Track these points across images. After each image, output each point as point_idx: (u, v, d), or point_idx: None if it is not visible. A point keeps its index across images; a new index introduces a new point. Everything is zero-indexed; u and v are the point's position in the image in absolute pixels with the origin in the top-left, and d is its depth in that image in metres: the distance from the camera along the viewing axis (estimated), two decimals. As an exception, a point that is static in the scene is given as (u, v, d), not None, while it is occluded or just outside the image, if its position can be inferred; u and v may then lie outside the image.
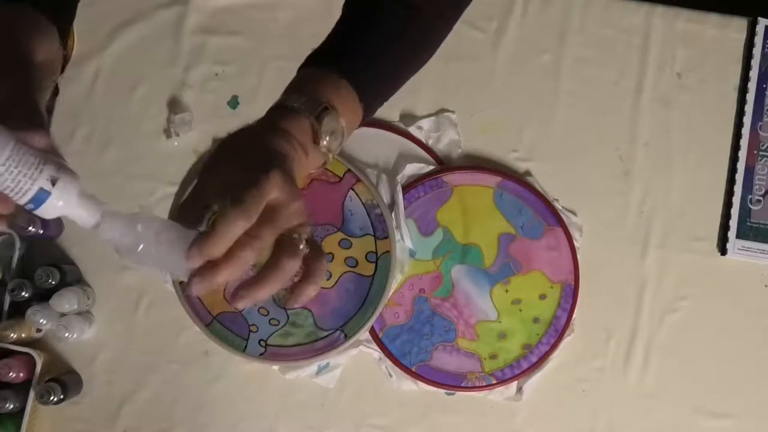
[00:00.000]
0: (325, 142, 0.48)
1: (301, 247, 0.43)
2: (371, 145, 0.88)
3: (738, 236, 0.88)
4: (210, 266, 0.41)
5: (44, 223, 0.84)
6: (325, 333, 0.85)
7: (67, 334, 0.84)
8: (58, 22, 0.49)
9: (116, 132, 0.89)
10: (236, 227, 0.40)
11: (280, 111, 0.48)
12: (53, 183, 0.38)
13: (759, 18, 0.90)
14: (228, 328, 0.86)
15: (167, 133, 0.90)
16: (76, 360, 0.88)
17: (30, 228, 0.84)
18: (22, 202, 0.38)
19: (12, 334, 0.83)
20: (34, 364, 0.83)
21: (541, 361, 0.86)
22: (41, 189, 0.38)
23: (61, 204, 0.39)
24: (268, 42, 0.91)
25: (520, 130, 0.90)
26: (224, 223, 0.40)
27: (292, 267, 0.42)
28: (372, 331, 0.86)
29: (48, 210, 0.39)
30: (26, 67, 0.45)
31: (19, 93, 0.42)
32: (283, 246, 0.43)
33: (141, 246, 0.41)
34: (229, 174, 0.43)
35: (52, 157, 0.39)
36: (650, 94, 0.90)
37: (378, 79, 0.54)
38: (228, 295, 0.43)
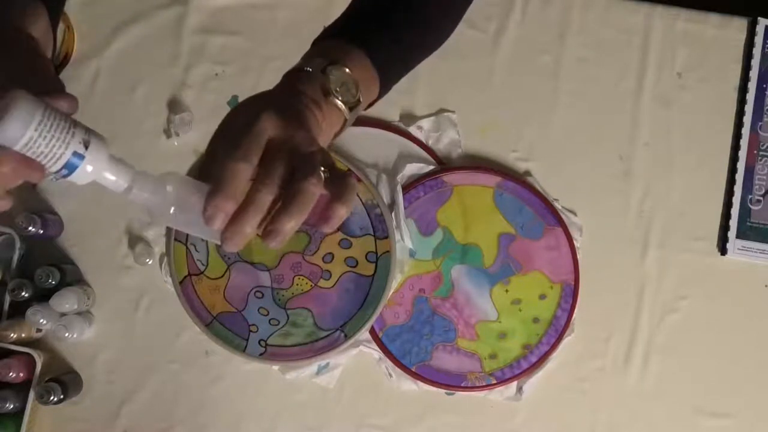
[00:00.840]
0: (339, 98, 0.48)
1: (320, 170, 0.42)
2: (371, 145, 0.88)
3: (738, 236, 0.88)
4: (234, 218, 0.40)
5: (44, 223, 0.84)
6: (325, 333, 0.85)
7: (67, 334, 0.84)
8: (48, 3, 0.49)
9: (116, 132, 0.89)
10: (236, 171, 0.40)
11: (289, 75, 0.49)
12: (86, 146, 0.36)
13: (759, 18, 0.90)
14: (228, 328, 0.86)
15: (167, 133, 0.90)
16: (76, 360, 0.88)
17: (30, 228, 0.84)
18: (55, 168, 0.36)
19: (12, 334, 0.83)
20: (34, 364, 0.83)
21: (541, 361, 0.86)
22: (75, 153, 0.36)
23: (92, 169, 0.37)
24: (268, 42, 0.91)
25: (520, 130, 0.90)
26: (226, 170, 0.40)
27: (312, 189, 0.41)
28: (372, 331, 0.86)
29: (80, 175, 0.37)
30: (28, 40, 0.44)
31: (30, 61, 0.42)
32: (296, 172, 0.41)
33: (173, 209, 0.40)
34: (234, 131, 0.43)
35: (79, 121, 0.37)
36: (650, 94, 0.90)
37: (389, 46, 0.54)
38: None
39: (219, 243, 0.42)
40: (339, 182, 0.43)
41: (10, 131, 0.34)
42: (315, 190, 0.41)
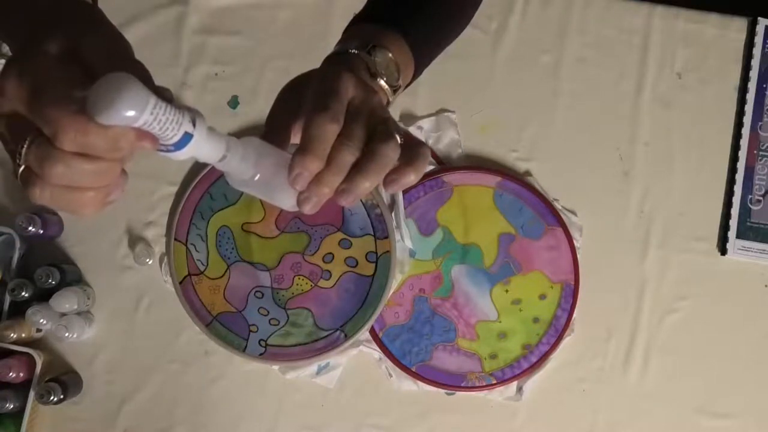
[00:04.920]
0: (383, 80, 0.48)
1: (396, 135, 0.42)
2: (371, 145, 0.88)
3: (738, 236, 0.88)
4: (315, 179, 0.40)
5: (44, 223, 0.84)
6: (325, 333, 0.85)
7: (67, 334, 0.84)
8: None
9: (116, 132, 0.89)
10: (328, 132, 0.40)
11: (334, 57, 0.49)
12: (194, 124, 0.36)
13: (759, 18, 0.90)
14: (228, 328, 0.86)
15: (167, 133, 0.90)
16: (76, 360, 0.88)
17: (30, 228, 0.84)
18: (167, 143, 0.36)
19: (12, 334, 0.83)
20: (34, 364, 0.83)
21: (541, 361, 0.86)
22: (186, 133, 0.36)
23: (198, 146, 0.37)
24: (268, 42, 0.91)
25: (520, 130, 0.90)
26: (316, 132, 0.40)
27: (389, 152, 0.41)
28: (372, 331, 0.86)
29: (184, 152, 0.37)
30: (108, 22, 0.43)
31: (119, 44, 0.41)
32: (375, 134, 0.42)
33: (258, 176, 0.40)
34: (303, 95, 0.43)
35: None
36: (650, 94, 0.90)
37: (423, 29, 0.54)
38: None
39: (291, 209, 0.42)
40: (412, 149, 0.43)
41: (131, 111, 0.33)
42: (393, 154, 0.41)
